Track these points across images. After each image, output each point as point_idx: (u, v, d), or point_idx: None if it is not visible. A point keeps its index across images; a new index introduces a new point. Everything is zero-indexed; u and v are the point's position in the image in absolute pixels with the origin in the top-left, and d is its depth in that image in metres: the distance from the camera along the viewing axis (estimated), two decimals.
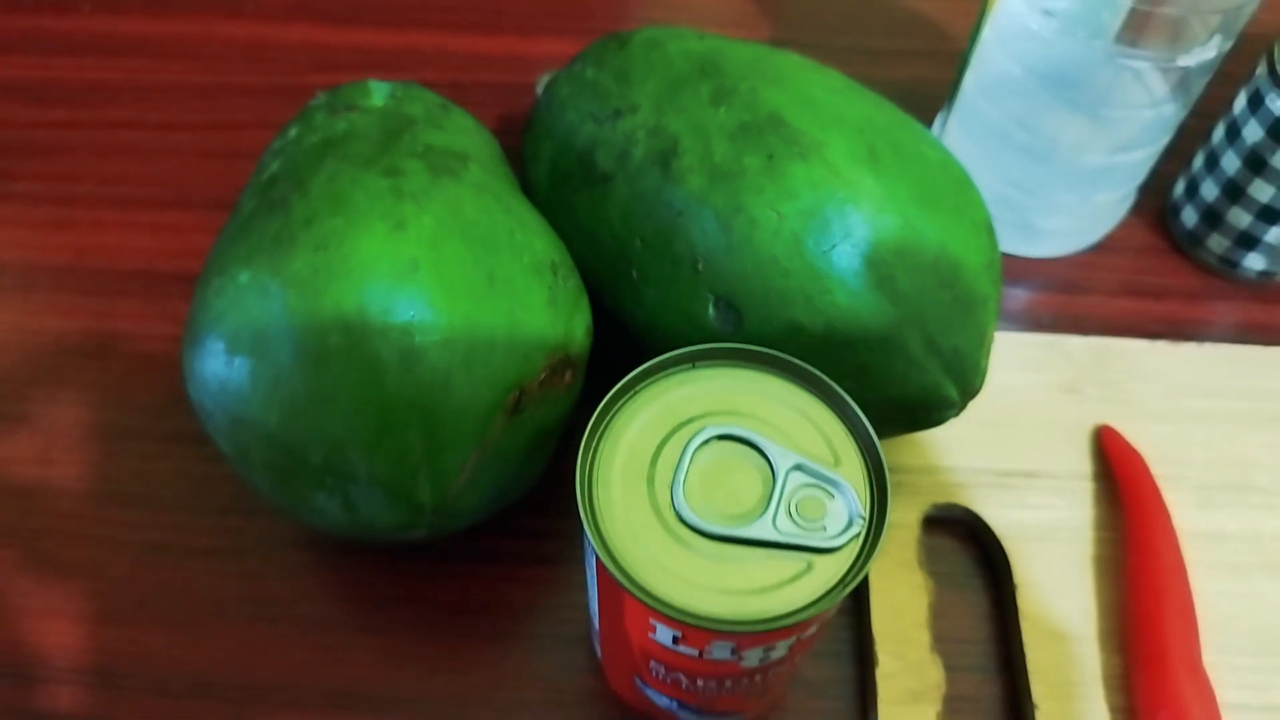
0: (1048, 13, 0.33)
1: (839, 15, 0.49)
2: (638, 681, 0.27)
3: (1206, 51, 0.33)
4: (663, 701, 0.28)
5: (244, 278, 0.26)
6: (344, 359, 0.25)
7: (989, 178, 0.38)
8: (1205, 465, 0.34)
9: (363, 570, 0.33)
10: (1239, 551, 0.32)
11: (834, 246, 0.26)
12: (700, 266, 0.27)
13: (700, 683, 0.25)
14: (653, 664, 0.25)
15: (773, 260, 0.26)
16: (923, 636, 0.30)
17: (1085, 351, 0.36)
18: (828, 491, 0.23)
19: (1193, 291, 0.39)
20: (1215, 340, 0.38)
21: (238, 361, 0.26)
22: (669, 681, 0.26)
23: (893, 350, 0.27)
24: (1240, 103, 0.36)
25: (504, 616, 0.32)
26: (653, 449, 0.23)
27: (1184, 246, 0.40)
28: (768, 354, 0.24)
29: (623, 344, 0.32)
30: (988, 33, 0.35)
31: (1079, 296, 0.39)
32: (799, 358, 0.27)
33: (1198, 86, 0.34)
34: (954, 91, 0.39)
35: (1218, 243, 0.38)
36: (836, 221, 0.26)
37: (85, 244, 0.40)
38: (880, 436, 0.30)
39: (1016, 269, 0.40)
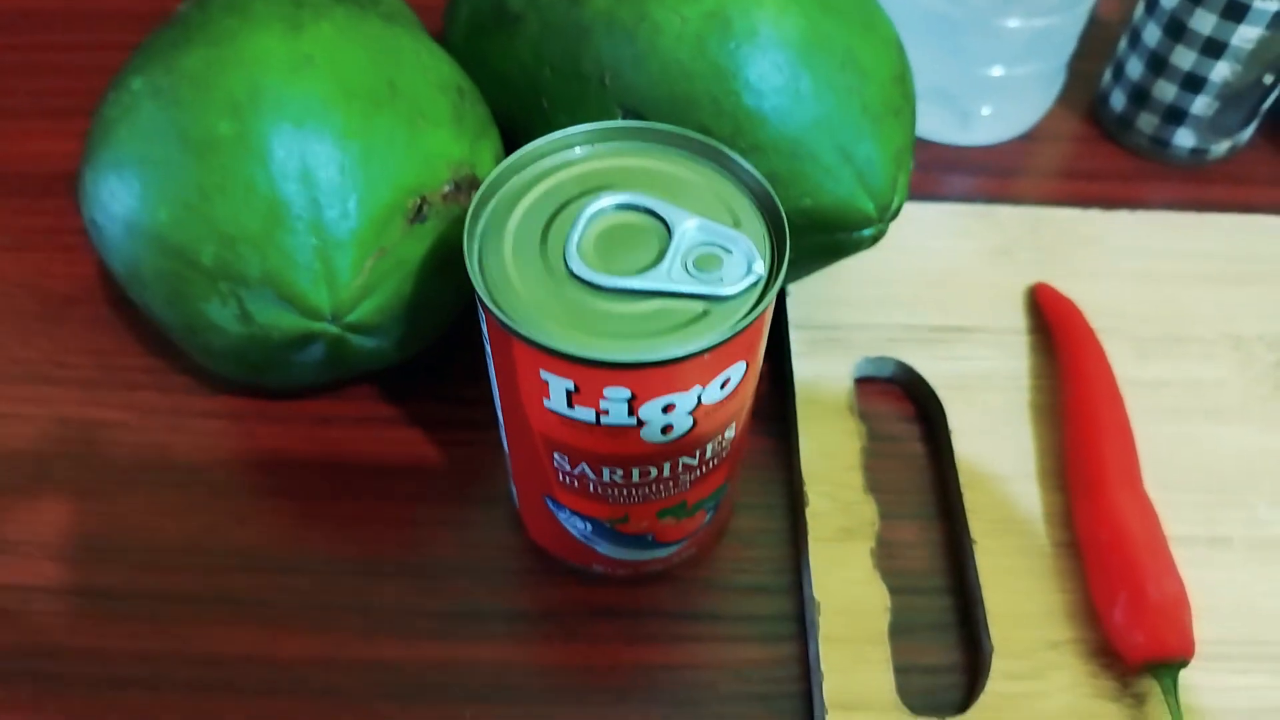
0: None
1: None
2: (550, 504, 0.26)
3: None
4: (577, 527, 0.26)
5: (137, 84, 0.26)
6: (233, 148, 0.24)
7: (921, 65, 0.38)
8: (1143, 319, 0.33)
9: (279, 436, 0.31)
10: (1179, 397, 0.31)
11: (738, 46, 0.26)
12: (607, 80, 0.27)
13: (607, 475, 0.23)
14: (556, 457, 0.23)
15: (677, 64, 0.26)
16: (854, 479, 0.29)
17: (1018, 220, 0.36)
18: (725, 249, 0.22)
19: (1125, 174, 0.39)
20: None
21: (129, 165, 0.25)
22: (576, 486, 0.24)
23: (803, 156, 0.26)
24: None
25: (424, 477, 0.31)
26: (549, 214, 0.22)
27: (1115, 133, 0.40)
28: (668, 130, 0.23)
29: None
30: None
31: (1014, 179, 0.39)
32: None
33: None
34: None
35: (1147, 122, 0.38)
36: (739, 21, 0.26)
37: (12, 151, 0.40)
38: (803, 264, 0.30)
39: (951, 157, 0.40)
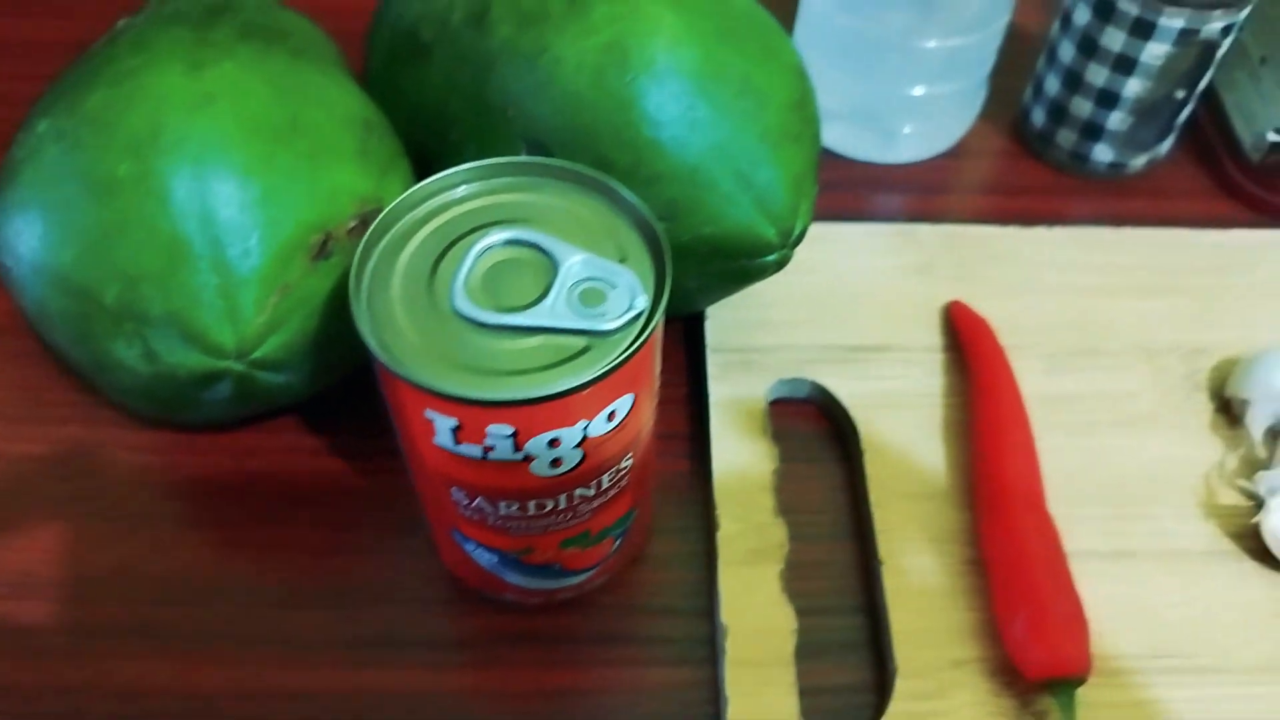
0: None
1: None
2: (456, 537, 0.26)
3: None
4: (484, 559, 0.27)
5: (42, 126, 0.26)
6: (133, 189, 0.24)
7: (843, 86, 0.39)
8: (1056, 334, 0.34)
9: (203, 467, 0.32)
10: (1090, 410, 0.32)
11: (635, 77, 0.26)
12: (511, 112, 0.27)
13: (504, 509, 0.24)
14: (454, 492, 0.24)
15: (577, 95, 0.26)
16: (766, 500, 0.30)
17: (937, 237, 0.36)
18: (610, 284, 0.22)
19: (1047, 188, 0.40)
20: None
21: (34, 207, 0.25)
22: (476, 520, 0.25)
23: (702, 183, 0.27)
24: None
25: (345, 506, 0.31)
26: (439, 251, 0.23)
27: (1036, 148, 0.41)
28: (559, 165, 0.24)
29: None
30: None
31: (937, 197, 0.40)
32: None
33: None
34: (799, 8, 0.39)
35: (1066, 137, 0.39)
36: (637, 52, 0.26)
37: None
38: (712, 290, 0.30)
39: (875, 175, 0.40)
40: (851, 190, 0.39)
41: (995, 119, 0.42)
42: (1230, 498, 0.30)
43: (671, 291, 0.29)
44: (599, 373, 0.21)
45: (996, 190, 0.40)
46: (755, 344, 0.33)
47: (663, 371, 0.34)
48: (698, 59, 0.27)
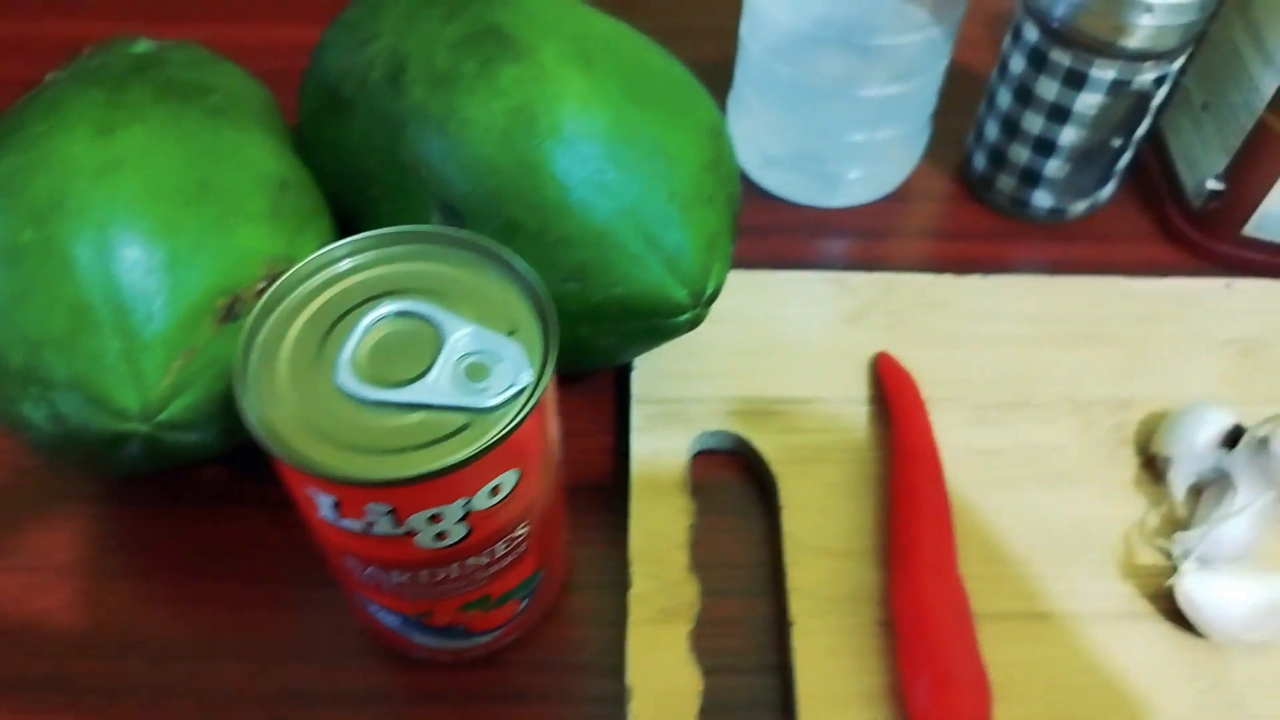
0: None
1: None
2: (360, 599, 0.26)
3: None
4: (388, 620, 0.27)
5: None
6: (37, 255, 0.25)
7: (784, 132, 0.39)
8: (984, 385, 0.34)
9: (123, 518, 0.32)
10: (1014, 465, 0.32)
11: (542, 141, 0.26)
12: (423, 173, 0.28)
13: (396, 577, 0.24)
14: (347, 559, 0.24)
15: (485, 158, 0.27)
16: (680, 558, 0.30)
17: (871, 285, 0.36)
18: (496, 357, 0.22)
19: (988, 233, 0.40)
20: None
21: None
22: (373, 584, 0.25)
23: (609, 246, 0.27)
24: (1007, 38, 0.37)
25: (262, 559, 0.31)
26: (329, 324, 0.23)
27: (979, 192, 0.40)
28: (454, 234, 0.24)
29: None
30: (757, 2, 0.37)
31: (877, 241, 0.40)
32: (519, 256, 0.27)
33: (960, 7, 0.36)
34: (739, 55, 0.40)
35: (1006, 183, 0.39)
36: (544, 117, 0.26)
37: None
38: (628, 348, 0.30)
39: (817, 219, 0.40)
40: (792, 235, 0.39)
41: (941, 160, 0.42)
42: (1149, 557, 0.30)
43: (590, 349, 0.30)
44: (474, 451, 0.21)
45: (938, 235, 0.40)
46: (682, 395, 0.33)
47: (591, 421, 0.35)
48: (606, 123, 0.27)
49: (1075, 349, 0.35)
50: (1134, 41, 0.33)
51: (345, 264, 0.24)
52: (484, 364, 0.22)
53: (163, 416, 0.26)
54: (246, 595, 0.30)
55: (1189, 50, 0.35)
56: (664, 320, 0.28)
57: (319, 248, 0.29)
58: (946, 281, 0.36)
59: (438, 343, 0.22)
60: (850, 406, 0.33)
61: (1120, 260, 0.39)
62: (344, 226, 0.31)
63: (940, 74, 0.38)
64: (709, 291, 0.28)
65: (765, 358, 0.34)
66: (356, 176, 0.30)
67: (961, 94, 0.43)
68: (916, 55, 0.36)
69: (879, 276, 0.36)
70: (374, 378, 0.22)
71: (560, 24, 0.28)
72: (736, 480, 0.33)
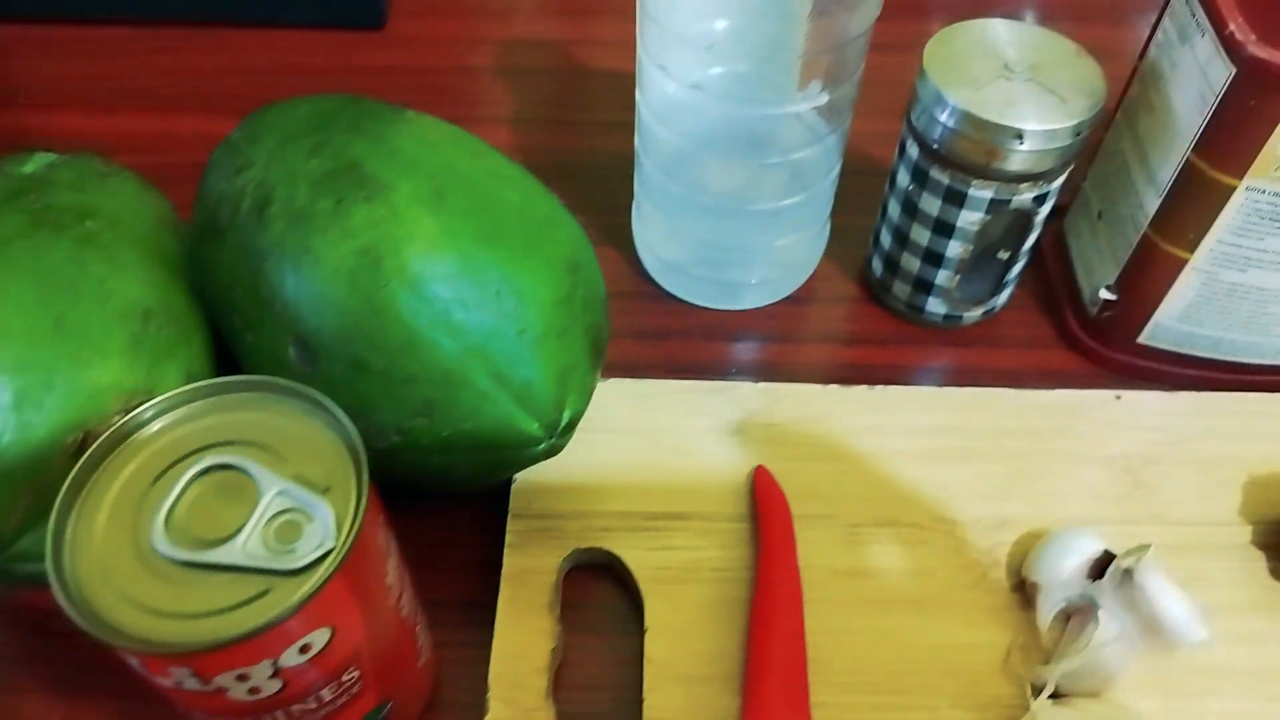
0: (695, 86, 0.34)
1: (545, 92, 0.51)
2: None
3: (850, 86, 0.35)
4: None
5: None
6: None
7: (682, 243, 0.40)
8: (859, 503, 0.34)
9: None
10: (882, 588, 0.32)
11: (387, 282, 0.27)
12: (278, 308, 0.28)
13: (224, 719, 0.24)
14: (175, 700, 0.24)
15: (334, 299, 0.27)
16: (539, 682, 0.30)
17: (757, 396, 0.36)
18: (308, 515, 0.23)
19: (885, 337, 0.40)
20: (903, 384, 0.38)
21: None
22: None
23: (456, 384, 0.27)
24: (896, 152, 0.37)
25: (132, 672, 0.32)
26: (150, 480, 0.23)
27: (878, 295, 0.41)
28: (283, 385, 0.24)
29: None
30: (643, 109, 0.37)
31: (775, 345, 0.40)
32: (367, 394, 0.28)
33: (848, 115, 0.36)
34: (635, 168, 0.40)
35: (901, 289, 0.39)
36: (390, 259, 0.27)
37: None
38: (487, 476, 0.31)
39: (716, 323, 0.40)
40: (690, 339, 0.40)
41: (843, 259, 0.42)
42: (1011, 688, 0.30)
43: (449, 476, 0.30)
44: (271, 619, 0.21)
45: (836, 339, 0.40)
46: (559, 509, 0.33)
47: (473, 533, 0.35)
48: (453, 264, 0.27)
49: (956, 465, 0.35)
50: (1009, 165, 0.33)
51: (179, 413, 0.24)
52: (296, 523, 0.22)
53: (14, 549, 0.27)
54: (121, 712, 0.31)
55: (1069, 169, 0.35)
56: (518, 452, 0.29)
57: (186, 375, 0.30)
58: (832, 393, 0.37)
59: (254, 500, 0.23)
60: (725, 524, 0.33)
61: (1017, 367, 0.39)
62: (221, 350, 0.32)
63: (834, 179, 0.38)
64: (564, 423, 0.29)
65: (647, 471, 0.34)
66: (226, 304, 0.30)
67: (864, 190, 0.43)
68: (810, 165, 0.37)
69: (766, 387, 0.37)
70: (187, 537, 0.22)
71: (420, 160, 0.29)
72: (609, 598, 0.33)
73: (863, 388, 0.37)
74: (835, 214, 0.42)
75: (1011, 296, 0.40)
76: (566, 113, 0.48)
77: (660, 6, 0.33)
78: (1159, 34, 0.35)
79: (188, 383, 0.29)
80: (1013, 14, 0.55)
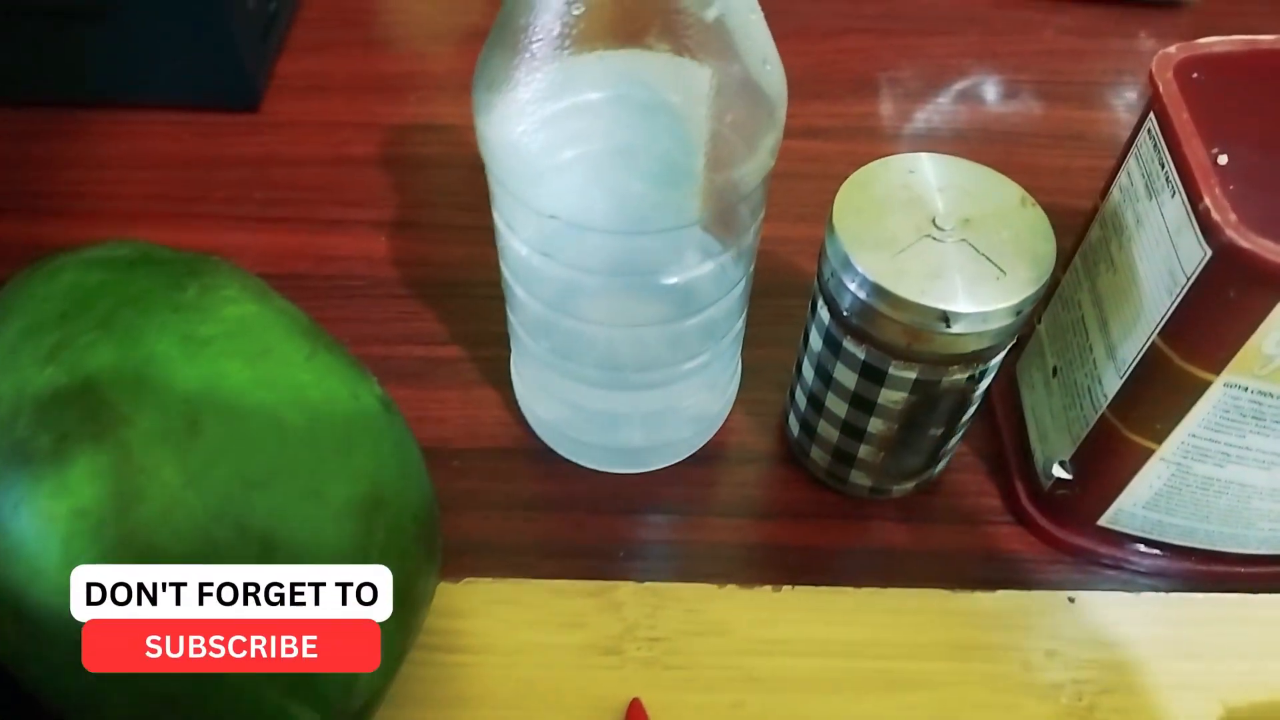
0: (546, 255, 0.28)
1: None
2: None
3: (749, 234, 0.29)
4: None
5: None
6: None
7: (565, 406, 0.34)
8: None
9: None
10: None
11: (108, 554, 0.21)
12: None
13: None
14: None
15: (44, 570, 0.21)
16: None
17: (638, 601, 0.30)
18: None
19: (801, 510, 0.34)
20: (815, 571, 0.32)
21: None
22: None
23: (208, 679, 0.22)
24: (809, 305, 0.31)
25: None
26: None
27: (797, 455, 0.35)
28: None
29: None
30: (506, 274, 0.31)
31: (674, 519, 0.34)
32: (92, 691, 0.22)
33: (749, 259, 0.30)
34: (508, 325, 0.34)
35: (820, 456, 0.33)
36: (112, 524, 0.21)
37: None
38: None
39: (607, 490, 0.34)
40: (574, 511, 0.34)
41: (760, 406, 0.36)
42: None
43: None
44: None
45: (743, 511, 0.34)
46: None
47: None
48: (199, 524, 0.21)
49: (878, 696, 0.29)
50: (935, 348, 0.27)
51: None
52: None
53: None
54: None
55: (1011, 344, 0.29)
56: None
57: None
58: (730, 597, 0.31)
59: None
60: None
61: (958, 547, 0.33)
62: None
63: (739, 330, 0.32)
64: (355, 709, 0.23)
65: (497, 707, 0.28)
66: None
67: (785, 313, 0.35)
68: (709, 324, 0.30)
69: (652, 589, 0.31)
70: None
71: (175, 377, 0.23)
72: None
73: (767, 589, 0.31)
74: (750, 345, 0.36)
75: (953, 458, 0.34)
76: (459, 214, 0.42)
77: (501, 168, 0.27)
78: (1123, 174, 0.29)
79: None
80: (974, 89, 0.49)
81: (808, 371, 0.32)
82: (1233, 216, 0.23)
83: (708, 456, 0.35)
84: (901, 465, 0.32)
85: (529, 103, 0.26)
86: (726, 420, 0.36)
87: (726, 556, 0.32)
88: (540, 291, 0.30)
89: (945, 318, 0.26)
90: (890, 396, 0.29)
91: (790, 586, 0.31)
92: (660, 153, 0.28)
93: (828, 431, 0.32)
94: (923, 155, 0.29)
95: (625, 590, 0.31)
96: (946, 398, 0.29)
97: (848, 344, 0.29)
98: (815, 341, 0.30)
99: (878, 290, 0.26)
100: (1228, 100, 0.28)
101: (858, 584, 0.31)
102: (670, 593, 0.31)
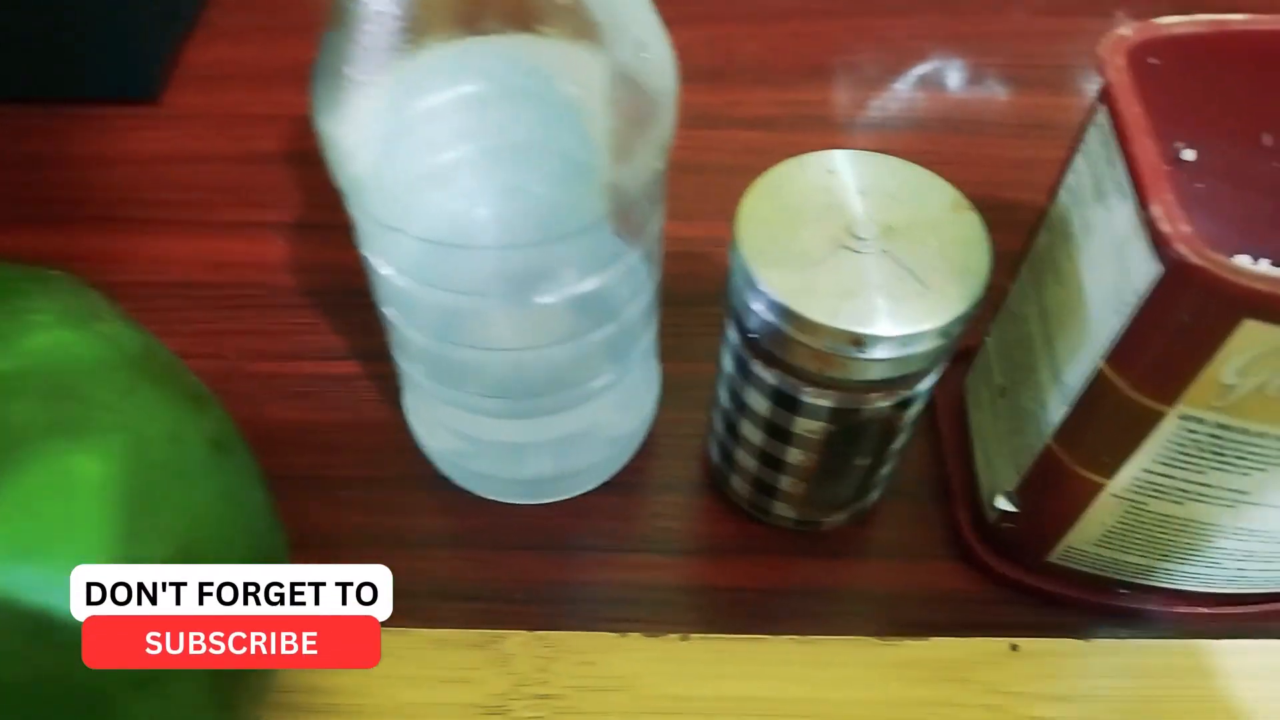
0: (427, 283, 0.25)
1: None
2: None
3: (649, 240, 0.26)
4: None
5: None
6: None
7: (460, 438, 0.30)
8: None
9: None
10: None
11: None
12: None
13: None
14: None
15: None
16: None
17: (530, 651, 0.27)
18: None
19: (723, 545, 0.31)
20: (734, 615, 0.29)
21: None
22: None
23: None
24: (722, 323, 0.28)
25: None
26: None
27: (718, 483, 0.31)
28: None
29: None
30: (381, 307, 0.28)
31: (581, 555, 0.31)
32: None
33: (656, 269, 0.27)
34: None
35: (741, 486, 0.30)
36: None
37: None
38: None
39: (508, 523, 0.31)
40: (470, 547, 0.30)
41: (680, 426, 0.33)
42: None
43: None
44: None
45: (658, 546, 0.31)
46: None
47: None
48: None
49: None
50: (851, 374, 0.24)
51: None
52: None
53: None
54: None
55: (943, 366, 0.26)
56: None
57: None
58: (630, 647, 0.27)
59: None
60: None
61: (895, 586, 0.30)
62: None
63: (649, 345, 0.29)
64: None
65: None
66: None
67: (707, 323, 0.30)
68: (611, 343, 0.27)
69: (543, 639, 0.27)
70: None
71: None
72: None
73: (674, 638, 0.28)
74: (672, 358, 0.32)
75: (892, 482, 0.31)
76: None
77: (355, 186, 0.23)
78: (1070, 173, 0.26)
79: None
80: (935, 74, 0.46)
81: (723, 395, 0.28)
82: (1186, 228, 0.20)
83: (623, 484, 0.32)
84: (828, 496, 0.29)
85: (379, 109, 0.22)
86: (645, 443, 0.32)
87: (633, 600, 0.29)
88: (423, 321, 0.26)
89: (859, 341, 0.23)
90: (807, 425, 0.26)
91: (700, 635, 0.28)
92: (549, 148, 0.25)
93: (746, 460, 0.29)
94: (842, 153, 0.25)
95: (515, 640, 0.27)
96: (870, 427, 0.26)
97: (757, 368, 0.25)
98: (727, 363, 0.27)
99: (785, 312, 0.23)
100: (1194, 88, 0.25)
101: (781, 629, 0.28)
102: (564, 643, 0.27)
